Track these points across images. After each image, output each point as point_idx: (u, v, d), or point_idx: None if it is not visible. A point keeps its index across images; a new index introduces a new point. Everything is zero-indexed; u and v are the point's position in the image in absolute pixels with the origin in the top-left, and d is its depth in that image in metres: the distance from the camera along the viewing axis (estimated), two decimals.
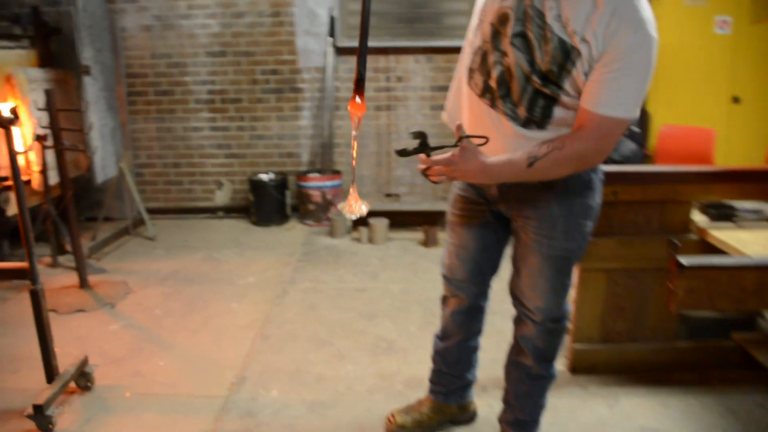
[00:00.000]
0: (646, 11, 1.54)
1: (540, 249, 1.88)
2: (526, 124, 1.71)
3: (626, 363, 2.77)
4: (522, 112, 1.71)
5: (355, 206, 1.53)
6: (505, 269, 2.11)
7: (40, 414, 2.40)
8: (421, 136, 1.55)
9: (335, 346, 3.12)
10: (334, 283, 3.96)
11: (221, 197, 5.57)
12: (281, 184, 5.23)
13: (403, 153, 1.57)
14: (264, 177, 5.23)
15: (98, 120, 4.22)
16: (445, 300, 2.29)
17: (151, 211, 5.38)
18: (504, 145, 1.73)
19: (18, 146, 3.92)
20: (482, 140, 1.58)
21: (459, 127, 1.57)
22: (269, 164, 5.50)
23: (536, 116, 1.70)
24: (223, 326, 3.36)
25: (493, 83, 1.74)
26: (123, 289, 3.80)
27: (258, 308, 3.57)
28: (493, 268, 2.16)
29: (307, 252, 4.56)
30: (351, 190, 1.54)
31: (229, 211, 5.57)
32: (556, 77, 1.63)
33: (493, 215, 2.02)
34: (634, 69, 1.55)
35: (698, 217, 2.66)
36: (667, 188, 2.54)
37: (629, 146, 4.26)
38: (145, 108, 5.40)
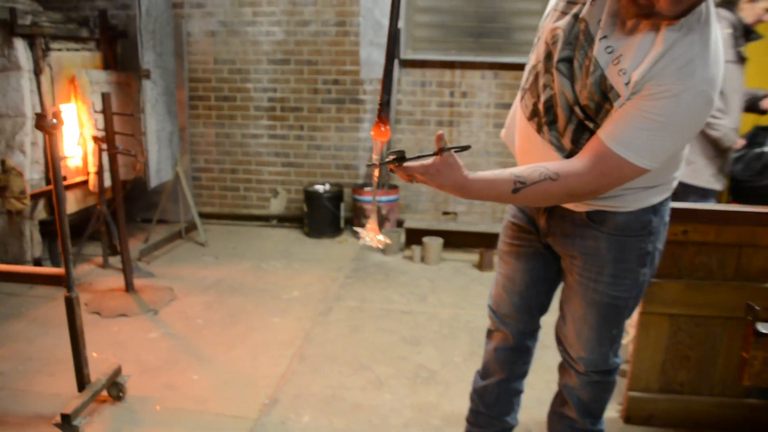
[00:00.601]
0: (706, 66, 1.33)
1: (585, 293, 1.70)
2: (571, 156, 1.53)
3: (687, 417, 2.53)
4: (567, 143, 1.54)
5: (368, 237, 1.40)
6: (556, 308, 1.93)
7: (67, 423, 2.38)
8: (399, 153, 1.42)
9: (374, 371, 2.98)
10: (380, 303, 3.83)
11: (276, 206, 5.53)
12: (336, 196, 5.14)
13: (374, 166, 1.47)
14: (319, 188, 5.15)
15: (156, 124, 4.24)
16: (489, 333, 2.12)
17: (205, 216, 5.40)
18: None
19: (70, 148, 3.99)
20: (462, 150, 1.43)
21: (440, 138, 1.41)
22: (326, 175, 5.42)
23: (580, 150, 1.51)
24: (262, 342, 3.27)
25: (540, 107, 1.58)
26: (167, 296, 3.78)
27: (300, 325, 3.47)
28: (541, 306, 1.97)
29: (357, 268, 4.44)
30: (370, 219, 1.40)
31: (283, 220, 5.52)
32: (593, 113, 1.46)
33: (544, 247, 1.84)
34: (668, 116, 1.34)
35: None
36: (747, 231, 2.28)
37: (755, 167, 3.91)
38: (205, 113, 5.42)
